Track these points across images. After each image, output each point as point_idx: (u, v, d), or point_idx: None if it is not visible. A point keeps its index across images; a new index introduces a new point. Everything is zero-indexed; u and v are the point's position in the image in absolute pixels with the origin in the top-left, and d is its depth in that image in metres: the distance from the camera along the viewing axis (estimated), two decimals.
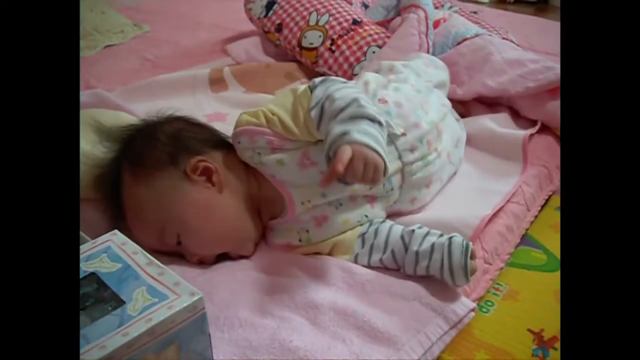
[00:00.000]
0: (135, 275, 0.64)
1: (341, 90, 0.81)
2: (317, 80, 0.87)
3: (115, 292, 0.62)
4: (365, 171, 0.71)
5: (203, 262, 0.86)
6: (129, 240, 0.70)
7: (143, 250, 0.68)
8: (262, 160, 0.85)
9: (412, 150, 0.92)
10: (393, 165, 0.88)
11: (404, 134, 0.92)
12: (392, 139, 0.90)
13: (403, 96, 0.98)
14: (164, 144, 0.87)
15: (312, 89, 0.85)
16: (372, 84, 1.02)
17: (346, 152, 0.71)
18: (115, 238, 0.71)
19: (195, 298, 0.61)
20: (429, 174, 0.95)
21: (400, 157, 0.91)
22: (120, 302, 0.61)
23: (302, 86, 0.88)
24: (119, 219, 0.86)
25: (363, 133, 0.74)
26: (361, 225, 0.88)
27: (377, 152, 0.73)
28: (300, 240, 0.87)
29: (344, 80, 0.88)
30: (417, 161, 0.93)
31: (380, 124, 0.78)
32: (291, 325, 0.72)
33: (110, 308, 0.60)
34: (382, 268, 0.85)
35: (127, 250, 0.69)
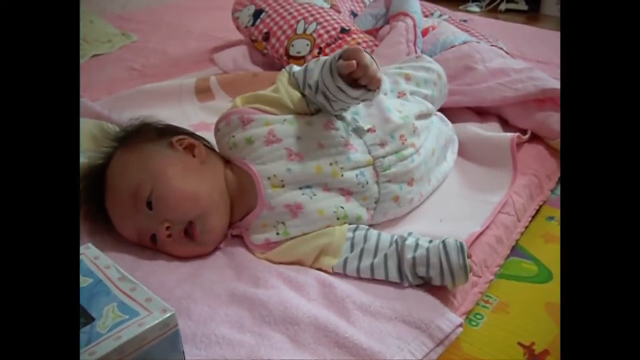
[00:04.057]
0: (107, 291, 0.62)
1: None
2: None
3: (85, 308, 0.60)
4: (372, 63, 0.81)
5: (167, 244, 0.85)
6: (102, 254, 0.68)
7: (115, 265, 0.66)
8: (235, 141, 0.90)
9: (381, 144, 0.94)
10: (363, 157, 0.92)
11: (372, 130, 0.94)
12: (359, 133, 0.93)
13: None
14: (156, 127, 0.96)
15: (289, 68, 0.97)
16: None
17: (356, 47, 0.82)
18: (88, 252, 0.69)
19: (167, 315, 0.59)
20: (406, 170, 0.95)
21: (369, 152, 0.93)
22: (89, 319, 0.59)
23: None
24: (97, 203, 0.89)
25: None
26: (338, 218, 0.89)
27: (373, 58, 0.84)
28: (278, 234, 0.87)
29: None
30: (389, 155, 0.94)
31: None
32: (270, 342, 0.69)
33: None
34: (364, 282, 0.83)
35: (99, 264, 0.67)
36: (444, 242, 0.81)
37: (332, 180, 0.89)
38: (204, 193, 0.86)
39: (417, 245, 0.82)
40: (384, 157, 0.93)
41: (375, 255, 0.84)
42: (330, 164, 0.89)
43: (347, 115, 0.94)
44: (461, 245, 0.81)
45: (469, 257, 0.81)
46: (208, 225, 0.86)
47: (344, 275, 0.84)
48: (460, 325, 0.78)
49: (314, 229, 0.88)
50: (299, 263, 0.86)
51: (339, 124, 0.92)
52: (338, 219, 0.89)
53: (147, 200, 0.84)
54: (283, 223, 0.87)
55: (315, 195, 0.88)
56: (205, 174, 0.89)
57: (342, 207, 0.89)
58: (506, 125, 1.27)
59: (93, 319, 0.58)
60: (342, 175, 0.89)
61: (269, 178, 0.87)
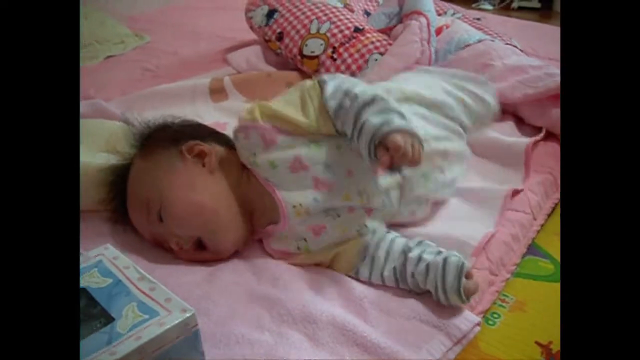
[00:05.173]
0: (126, 291, 0.63)
1: (358, 86, 0.85)
2: (326, 76, 0.89)
3: (105, 309, 0.61)
4: (413, 152, 0.75)
5: (181, 254, 0.85)
6: (121, 254, 0.69)
7: (135, 265, 0.67)
8: (256, 161, 0.86)
9: None
10: (392, 179, 0.89)
11: None
12: None
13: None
14: (174, 130, 0.93)
15: (321, 83, 0.87)
16: None
17: (397, 139, 0.74)
18: (107, 252, 0.70)
19: (187, 315, 0.59)
20: (428, 191, 0.94)
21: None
22: (109, 319, 0.59)
23: (308, 81, 0.90)
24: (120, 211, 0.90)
25: (401, 120, 0.78)
26: (361, 235, 0.87)
27: (417, 135, 0.77)
28: (298, 249, 0.87)
29: (353, 78, 0.91)
30: (418, 177, 0.91)
31: (403, 115, 0.81)
32: (289, 341, 0.70)
33: (99, 325, 0.59)
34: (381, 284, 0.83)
35: (118, 264, 0.67)
36: (445, 260, 0.78)
37: (358, 205, 0.86)
38: (210, 208, 0.84)
39: (419, 259, 0.80)
40: (411, 178, 0.90)
41: (384, 267, 0.83)
42: (359, 192, 0.85)
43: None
44: (461, 266, 0.77)
45: (470, 277, 0.78)
46: (217, 239, 0.85)
47: None
48: (478, 324, 0.77)
49: (335, 242, 0.86)
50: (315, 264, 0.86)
51: None
52: (359, 233, 0.87)
53: (157, 214, 0.84)
54: (305, 240, 0.86)
55: (339, 216, 0.86)
56: (213, 186, 0.87)
57: (366, 225, 0.87)
58: (521, 123, 1.26)
59: (113, 319, 0.59)
60: (369, 200, 0.87)
61: (294, 206, 0.84)
